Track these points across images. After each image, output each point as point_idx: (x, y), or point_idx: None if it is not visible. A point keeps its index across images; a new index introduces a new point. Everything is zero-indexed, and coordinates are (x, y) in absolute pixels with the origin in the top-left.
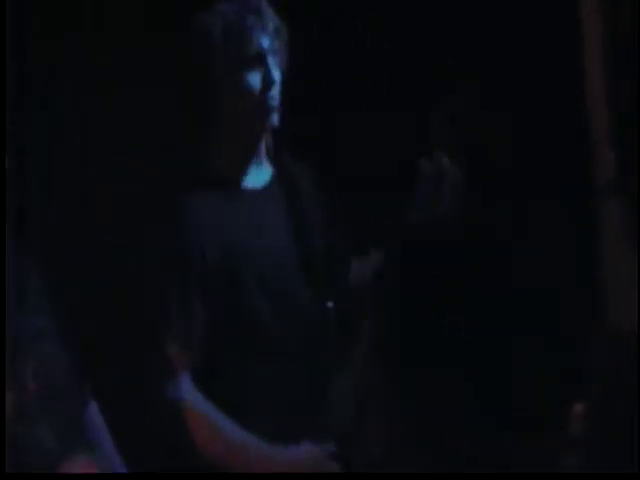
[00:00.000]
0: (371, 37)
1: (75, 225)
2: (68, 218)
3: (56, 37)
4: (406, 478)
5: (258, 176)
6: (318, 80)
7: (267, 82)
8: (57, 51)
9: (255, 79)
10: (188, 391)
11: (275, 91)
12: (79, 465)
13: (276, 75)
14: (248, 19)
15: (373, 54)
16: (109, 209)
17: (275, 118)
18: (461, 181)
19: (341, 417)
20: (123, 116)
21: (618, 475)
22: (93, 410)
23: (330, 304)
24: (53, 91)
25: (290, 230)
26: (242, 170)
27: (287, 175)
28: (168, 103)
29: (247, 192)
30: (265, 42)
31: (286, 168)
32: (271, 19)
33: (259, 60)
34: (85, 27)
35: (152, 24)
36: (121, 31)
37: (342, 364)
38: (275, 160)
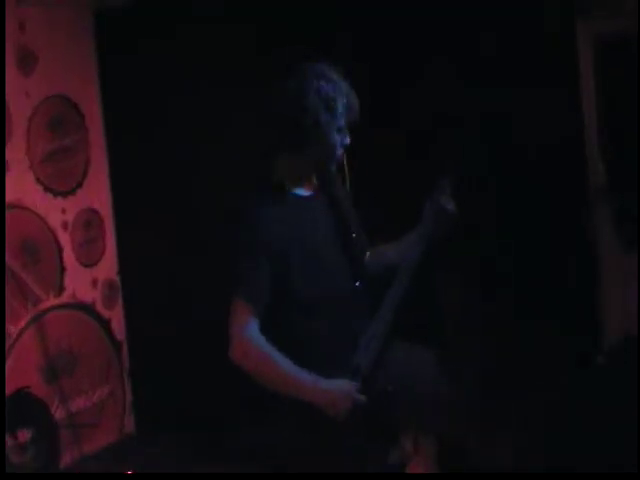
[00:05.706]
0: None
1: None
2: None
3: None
4: (410, 478)
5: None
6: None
7: (342, 145)
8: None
9: (336, 139)
10: (254, 332)
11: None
12: None
13: (348, 141)
14: (340, 97)
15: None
16: (212, 207)
17: (333, 165)
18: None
19: (364, 360)
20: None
21: (618, 475)
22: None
23: (358, 284)
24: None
25: (329, 223)
26: (297, 184)
27: (328, 189)
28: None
29: (299, 198)
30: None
31: (326, 185)
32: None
33: (343, 129)
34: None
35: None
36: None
37: (368, 322)
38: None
